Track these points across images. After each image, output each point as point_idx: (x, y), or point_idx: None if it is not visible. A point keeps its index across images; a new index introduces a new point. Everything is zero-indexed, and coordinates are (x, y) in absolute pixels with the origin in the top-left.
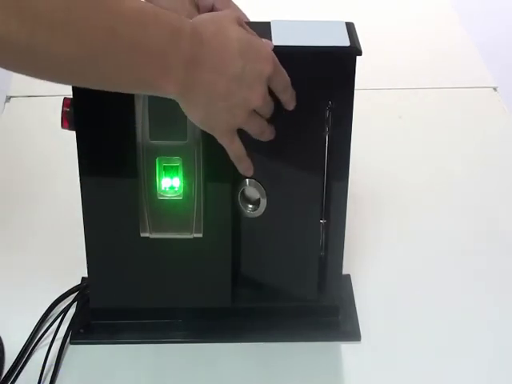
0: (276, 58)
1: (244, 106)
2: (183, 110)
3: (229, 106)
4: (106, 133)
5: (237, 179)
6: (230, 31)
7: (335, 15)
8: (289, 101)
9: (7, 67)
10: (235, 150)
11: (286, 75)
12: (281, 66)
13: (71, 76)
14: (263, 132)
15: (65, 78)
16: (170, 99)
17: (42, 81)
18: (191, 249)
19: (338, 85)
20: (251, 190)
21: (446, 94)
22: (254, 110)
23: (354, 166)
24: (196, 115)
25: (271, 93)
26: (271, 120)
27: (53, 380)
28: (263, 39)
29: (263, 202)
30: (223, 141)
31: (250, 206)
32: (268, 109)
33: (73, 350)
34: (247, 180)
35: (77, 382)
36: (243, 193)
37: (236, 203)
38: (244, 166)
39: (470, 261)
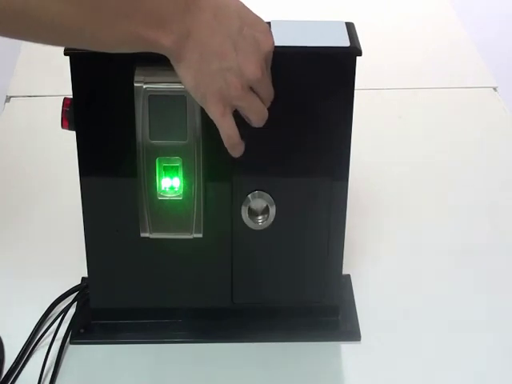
0: (273, 39)
1: (238, 75)
2: (176, 70)
3: (222, 69)
4: (106, 133)
5: (238, 196)
6: None
7: (335, 15)
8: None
9: (7, 34)
10: (226, 126)
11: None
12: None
13: (67, 37)
14: (263, 120)
15: (60, 39)
16: (170, 99)
17: (41, 81)
18: (191, 249)
19: (338, 85)
20: (256, 202)
21: (446, 93)
22: (252, 90)
23: (354, 166)
24: (188, 75)
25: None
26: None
27: (53, 380)
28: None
29: (272, 211)
30: (214, 111)
31: (259, 217)
32: (266, 89)
33: (73, 350)
34: (249, 195)
35: (77, 382)
36: (249, 208)
37: (240, 219)
38: (236, 150)
39: (470, 260)
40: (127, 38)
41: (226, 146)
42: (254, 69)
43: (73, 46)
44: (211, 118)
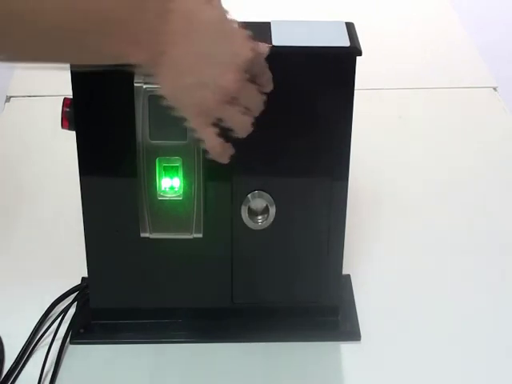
0: (255, 47)
1: (214, 89)
2: (156, 81)
3: (198, 85)
4: (106, 133)
5: (238, 196)
6: (203, 6)
7: (335, 15)
8: (268, 90)
9: None
10: (208, 138)
11: (266, 65)
12: (263, 58)
13: (42, 54)
14: (247, 129)
15: (35, 56)
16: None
17: (41, 81)
18: (191, 249)
19: (338, 85)
20: (256, 202)
21: (446, 94)
22: (234, 101)
23: (354, 166)
24: (165, 89)
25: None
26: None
27: (53, 380)
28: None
29: (272, 211)
30: (194, 124)
31: (259, 217)
32: (249, 98)
33: (73, 350)
34: (249, 195)
35: (77, 382)
36: (249, 208)
37: (240, 219)
38: (224, 157)
39: (469, 260)
40: (101, 54)
41: (211, 155)
42: (231, 81)
43: (55, 63)
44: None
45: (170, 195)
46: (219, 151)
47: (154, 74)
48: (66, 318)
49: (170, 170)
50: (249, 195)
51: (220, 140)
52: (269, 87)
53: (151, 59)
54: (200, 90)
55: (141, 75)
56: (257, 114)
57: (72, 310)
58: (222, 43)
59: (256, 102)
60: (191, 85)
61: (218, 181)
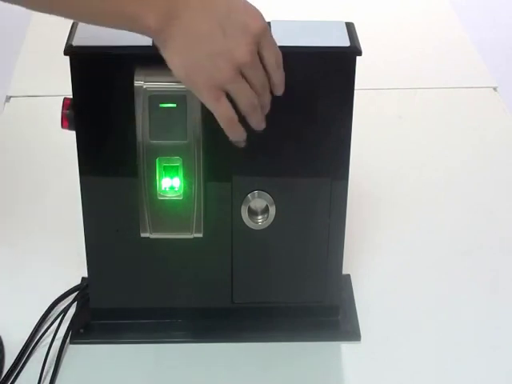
0: (266, 23)
1: (228, 59)
2: (165, 57)
3: (211, 54)
4: (106, 133)
5: (238, 196)
6: None
7: (335, 15)
8: (278, 82)
9: None
10: (223, 111)
11: (278, 49)
12: (272, 37)
13: (52, 5)
14: (253, 106)
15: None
16: (170, 99)
17: (41, 81)
18: (191, 249)
19: (338, 85)
20: (256, 201)
21: (446, 93)
22: (242, 76)
23: (354, 166)
24: (176, 62)
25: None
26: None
27: (53, 380)
28: None
29: (272, 211)
30: (208, 98)
31: (259, 217)
32: (257, 74)
33: (73, 350)
34: (249, 195)
35: (77, 382)
36: (249, 208)
37: (240, 219)
38: (236, 131)
39: (470, 260)
40: (114, 15)
41: (223, 128)
42: (244, 52)
43: (58, 14)
44: (204, 103)
45: (170, 195)
46: (234, 122)
47: (164, 41)
48: (65, 317)
49: (170, 170)
50: (249, 195)
51: (233, 111)
52: (280, 88)
53: (161, 22)
54: (214, 59)
55: (141, 75)
56: (261, 94)
57: (72, 310)
58: (235, 15)
59: (260, 79)
60: (204, 55)
61: (218, 181)
